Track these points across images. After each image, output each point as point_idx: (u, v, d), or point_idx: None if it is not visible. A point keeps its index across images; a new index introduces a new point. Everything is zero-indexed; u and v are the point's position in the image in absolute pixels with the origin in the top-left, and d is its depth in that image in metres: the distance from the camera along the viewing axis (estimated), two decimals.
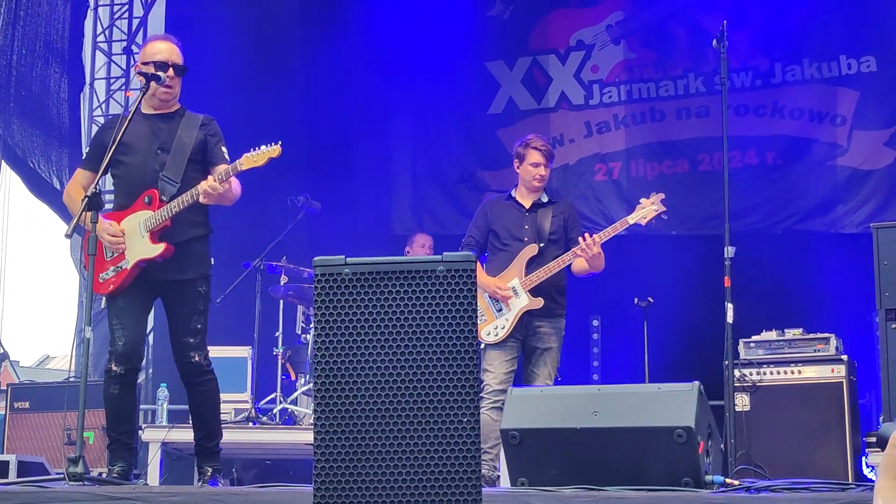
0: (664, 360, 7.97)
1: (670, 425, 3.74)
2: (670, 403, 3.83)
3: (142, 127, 5.07)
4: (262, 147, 4.95)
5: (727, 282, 5.53)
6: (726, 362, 5.65)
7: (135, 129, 5.01)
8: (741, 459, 5.95)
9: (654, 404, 3.87)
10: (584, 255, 6.00)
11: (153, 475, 6.86)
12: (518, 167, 6.33)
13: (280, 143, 4.94)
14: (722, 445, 4.56)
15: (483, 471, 5.73)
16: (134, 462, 5.22)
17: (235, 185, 5.05)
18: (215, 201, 4.98)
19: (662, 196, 6.28)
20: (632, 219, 6.24)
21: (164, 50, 5.13)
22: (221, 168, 4.98)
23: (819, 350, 6.81)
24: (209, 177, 4.94)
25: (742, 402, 6.68)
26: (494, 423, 5.80)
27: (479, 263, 6.31)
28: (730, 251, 5.59)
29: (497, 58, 10.09)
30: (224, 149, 5.11)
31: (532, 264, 6.14)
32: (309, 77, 10.05)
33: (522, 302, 6.09)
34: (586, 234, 6.04)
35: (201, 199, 4.91)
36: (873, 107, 9.03)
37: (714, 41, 5.98)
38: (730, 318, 5.48)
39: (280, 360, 8.08)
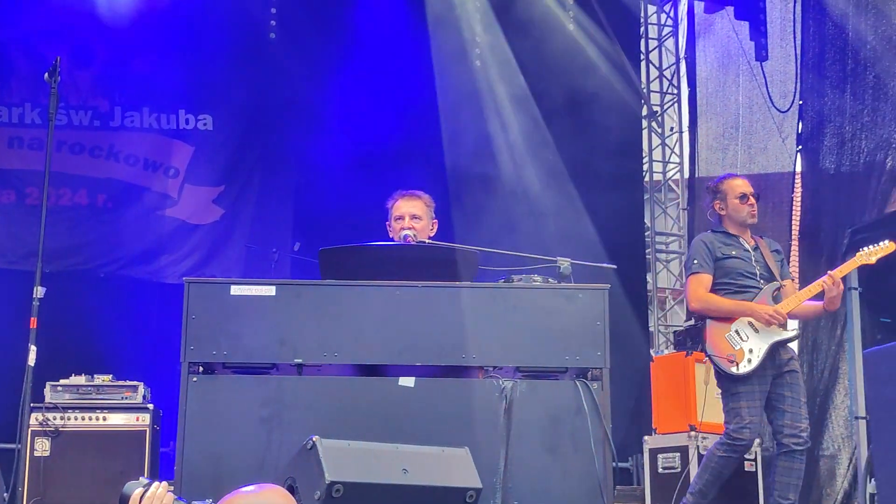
0: None
1: None
2: None
3: None
4: None
5: (33, 322, 5.32)
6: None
7: None
8: None
9: None
10: None
11: None
12: None
13: None
14: (6, 494, 4.32)
15: None
16: None
17: None
18: None
19: None
20: None
21: None
22: None
23: (127, 398, 6.82)
24: None
25: (42, 447, 6.46)
26: None
27: None
28: (39, 291, 5.38)
29: None
30: None
31: None
32: None
33: None
34: None
35: None
36: (206, 164, 9.35)
37: (46, 75, 5.74)
38: (31, 360, 5.26)
39: None
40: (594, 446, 4.31)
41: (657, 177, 11.43)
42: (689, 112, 11.09)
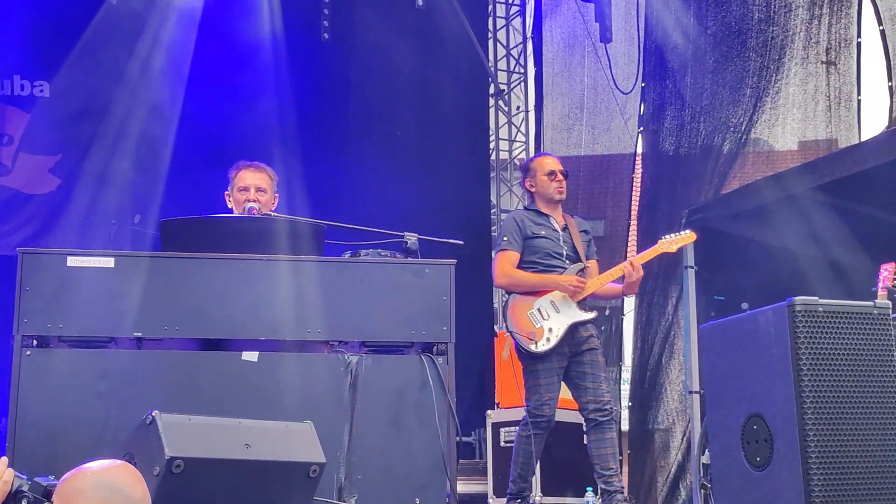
0: None
1: None
2: None
3: None
4: None
5: None
6: None
7: None
8: None
9: None
10: None
11: None
12: None
13: None
14: None
15: None
16: None
17: None
18: None
19: None
20: None
21: None
22: None
23: None
24: None
25: None
26: None
27: None
28: None
29: None
30: None
31: None
32: None
33: None
34: None
35: None
36: (42, 132, 9.02)
37: None
38: None
39: None
40: (438, 420, 4.35)
41: (503, 155, 11.56)
42: (536, 91, 11.24)
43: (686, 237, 6.02)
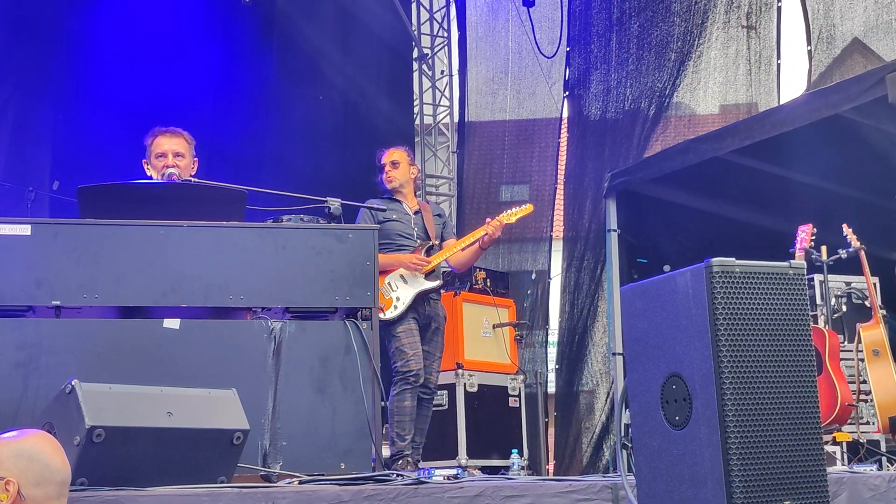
0: None
1: None
2: None
3: None
4: None
5: None
6: None
7: None
8: None
9: None
10: None
11: None
12: None
13: None
14: None
15: None
16: None
17: None
18: None
19: None
20: None
21: None
22: None
23: None
24: None
25: None
26: None
27: None
28: None
29: None
30: None
31: None
32: None
33: None
34: None
35: None
36: None
37: None
38: None
39: None
40: (363, 385, 4.35)
41: (428, 120, 11.53)
42: (459, 56, 11.22)
43: (525, 209, 6.51)
